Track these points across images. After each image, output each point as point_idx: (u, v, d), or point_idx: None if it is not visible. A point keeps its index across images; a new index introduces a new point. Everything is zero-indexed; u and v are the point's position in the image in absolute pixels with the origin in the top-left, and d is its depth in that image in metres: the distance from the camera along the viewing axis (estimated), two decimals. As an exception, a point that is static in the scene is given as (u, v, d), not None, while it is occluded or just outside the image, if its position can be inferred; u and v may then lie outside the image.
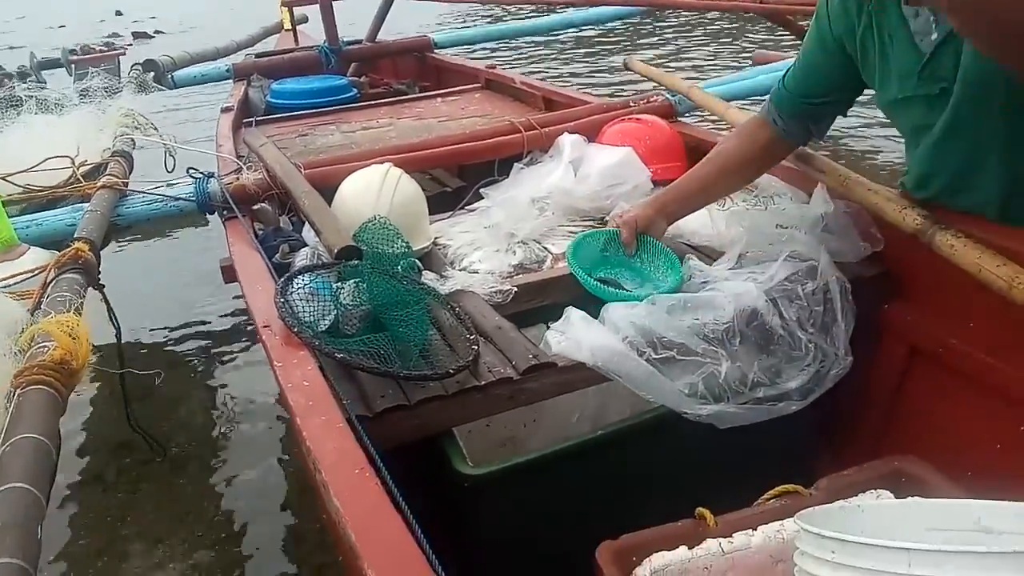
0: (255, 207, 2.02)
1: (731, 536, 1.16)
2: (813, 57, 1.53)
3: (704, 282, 1.60)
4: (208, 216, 2.21)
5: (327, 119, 3.27)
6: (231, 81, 3.99)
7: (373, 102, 3.62)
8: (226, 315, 3.35)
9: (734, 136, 1.72)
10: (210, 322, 3.32)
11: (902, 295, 1.57)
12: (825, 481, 1.22)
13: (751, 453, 1.43)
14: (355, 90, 3.90)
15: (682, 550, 1.14)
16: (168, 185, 2.17)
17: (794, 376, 1.48)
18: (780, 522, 1.17)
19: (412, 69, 4.49)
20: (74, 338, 0.97)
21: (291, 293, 1.43)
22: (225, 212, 1.99)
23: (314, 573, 1.98)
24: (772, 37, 7.64)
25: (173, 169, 2.62)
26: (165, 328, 3.28)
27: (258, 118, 3.27)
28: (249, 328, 3.19)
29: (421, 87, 4.19)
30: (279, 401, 2.66)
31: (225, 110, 3.25)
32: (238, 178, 2.03)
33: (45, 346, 0.98)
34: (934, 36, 1.29)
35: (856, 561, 0.83)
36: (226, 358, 3.03)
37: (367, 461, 0.95)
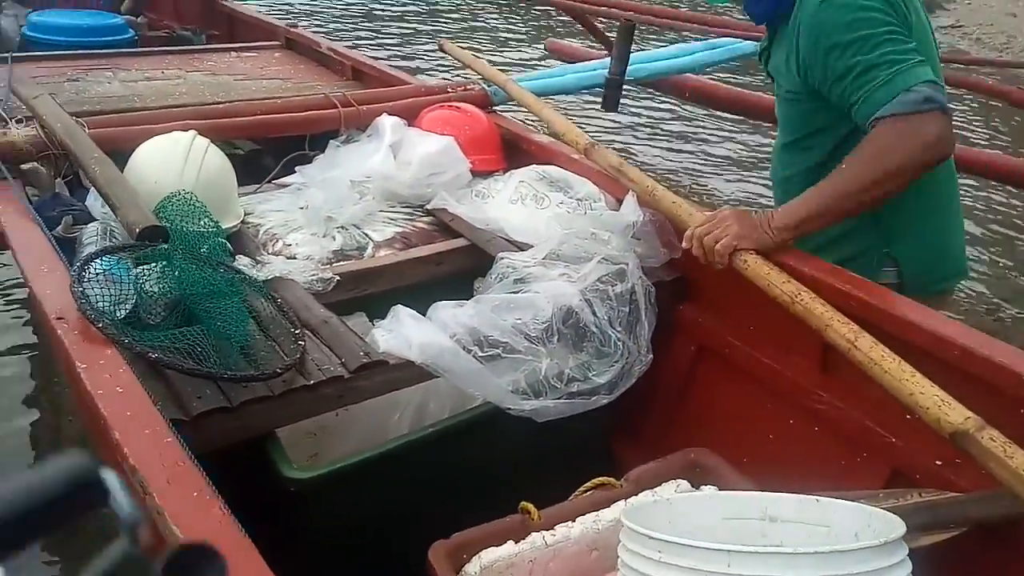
0: (25, 167, 1.76)
1: (553, 529, 1.23)
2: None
3: (519, 279, 1.66)
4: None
5: (101, 62, 2.90)
6: (-26, 3, 3.40)
7: (155, 48, 3.27)
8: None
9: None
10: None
11: (694, 299, 1.74)
12: (634, 473, 1.34)
13: (565, 445, 1.52)
14: (132, 31, 3.51)
15: (509, 545, 1.20)
16: None
17: (603, 371, 1.59)
18: (596, 513, 1.27)
19: (197, 15, 4.11)
20: None
21: (87, 279, 1.27)
22: (-12, 172, 1.71)
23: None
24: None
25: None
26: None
27: (14, 54, 2.82)
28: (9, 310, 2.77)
29: (209, 36, 3.86)
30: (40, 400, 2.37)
31: (-30, 41, 2.77)
32: (4, 133, 1.75)
33: None
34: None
35: (681, 561, 0.92)
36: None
37: (203, 480, 0.89)
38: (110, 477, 0.41)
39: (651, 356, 1.61)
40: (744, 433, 1.56)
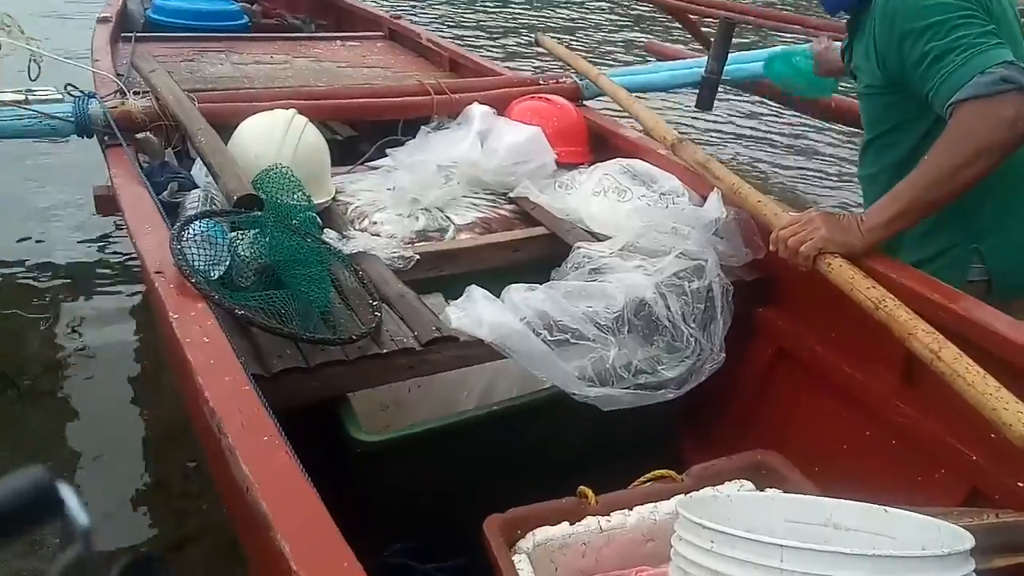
0: (139, 136, 1.89)
1: (609, 515, 1.23)
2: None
3: (594, 268, 1.66)
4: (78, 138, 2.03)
5: (216, 45, 3.08)
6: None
7: (266, 34, 3.44)
8: (91, 246, 3.09)
9: None
10: (72, 252, 3.05)
11: (776, 301, 1.70)
12: (696, 469, 1.32)
13: (629, 436, 1.52)
14: (246, 17, 3.69)
15: (564, 526, 1.21)
16: (28, 93, 1.97)
17: (673, 366, 1.57)
18: (654, 504, 1.26)
19: (309, 4, 4.28)
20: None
21: (185, 239, 1.36)
22: (107, 138, 1.84)
23: (175, 519, 1.91)
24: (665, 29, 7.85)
25: (36, 78, 2.37)
26: (18, 256, 2.99)
27: (138, 34, 3.02)
28: (116, 264, 2.97)
29: (318, 24, 4.02)
30: (140, 346, 2.53)
31: (102, 20, 2.98)
32: (123, 103, 1.88)
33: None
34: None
35: (733, 552, 0.91)
36: (87, 292, 2.80)
37: (275, 428, 0.94)
38: (65, 490, 0.44)
39: (724, 355, 1.58)
40: (817, 441, 1.52)
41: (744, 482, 1.33)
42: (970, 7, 1.32)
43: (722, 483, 1.32)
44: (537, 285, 1.55)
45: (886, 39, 1.40)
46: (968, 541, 0.90)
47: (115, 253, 3.06)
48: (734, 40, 2.53)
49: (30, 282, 2.85)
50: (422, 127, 2.21)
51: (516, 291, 1.52)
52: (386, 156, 2.16)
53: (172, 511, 1.93)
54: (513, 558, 1.12)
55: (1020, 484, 1.19)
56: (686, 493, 1.28)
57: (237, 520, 1.12)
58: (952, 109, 1.29)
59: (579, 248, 1.67)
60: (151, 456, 2.09)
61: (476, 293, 1.50)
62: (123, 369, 2.42)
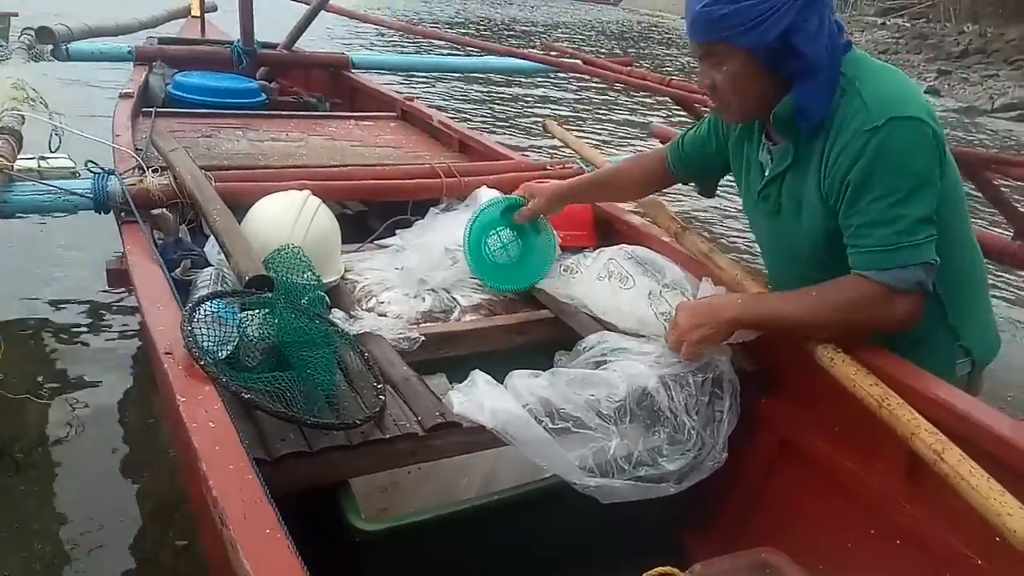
0: (155, 212, 1.93)
1: (611, 613, 1.21)
2: (708, 137, 1.75)
3: (600, 356, 1.67)
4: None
5: (233, 122, 3.17)
6: (131, 64, 3.78)
7: (283, 112, 3.54)
8: (90, 317, 3.13)
9: (633, 163, 2.05)
10: (69, 322, 3.09)
11: (778, 392, 1.70)
12: (699, 567, 1.30)
13: (630, 529, 1.50)
14: (264, 95, 3.80)
15: (564, 624, 1.19)
16: (40, 160, 2.03)
17: (674, 459, 1.56)
18: (657, 602, 1.24)
19: (324, 84, 4.43)
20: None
21: (197, 320, 1.38)
22: (124, 214, 1.89)
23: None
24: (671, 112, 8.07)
25: (56, 150, 2.44)
26: (16, 323, 3.02)
27: (158, 109, 3.11)
28: (115, 337, 3.00)
29: (332, 103, 4.14)
30: (132, 421, 2.52)
31: (124, 96, 3.08)
32: (142, 180, 1.93)
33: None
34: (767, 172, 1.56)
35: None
36: (83, 363, 2.82)
37: (276, 520, 0.93)
38: None
39: (726, 455, 1.56)
40: (820, 538, 1.50)
41: (748, 581, 1.31)
42: (933, 172, 1.35)
43: (725, 581, 1.30)
44: (540, 372, 1.56)
45: (842, 170, 1.37)
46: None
47: (115, 327, 3.08)
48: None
49: (26, 349, 2.86)
50: (431, 208, 2.26)
51: (520, 377, 1.53)
52: (395, 235, 2.20)
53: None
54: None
55: (1028, 593, 1.17)
56: (689, 592, 1.26)
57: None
58: (862, 277, 1.38)
59: (588, 337, 1.68)
60: (142, 534, 2.06)
61: (479, 378, 1.51)
62: (115, 443, 2.41)
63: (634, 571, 1.29)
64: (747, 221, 1.77)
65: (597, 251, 2.08)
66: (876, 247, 1.35)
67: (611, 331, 1.75)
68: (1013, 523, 1.07)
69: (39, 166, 2.17)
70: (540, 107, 8.43)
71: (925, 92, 12.79)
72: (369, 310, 1.81)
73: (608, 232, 2.24)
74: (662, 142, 3.76)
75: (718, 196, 2.07)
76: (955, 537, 1.31)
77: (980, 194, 2.26)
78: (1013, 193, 3.02)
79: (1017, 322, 4.13)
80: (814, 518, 1.56)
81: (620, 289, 1.87)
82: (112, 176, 1.94)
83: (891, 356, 1.45)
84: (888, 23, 21.02)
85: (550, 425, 1.45)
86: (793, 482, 1.64)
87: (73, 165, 2.18)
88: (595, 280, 1.95)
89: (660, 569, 1.30)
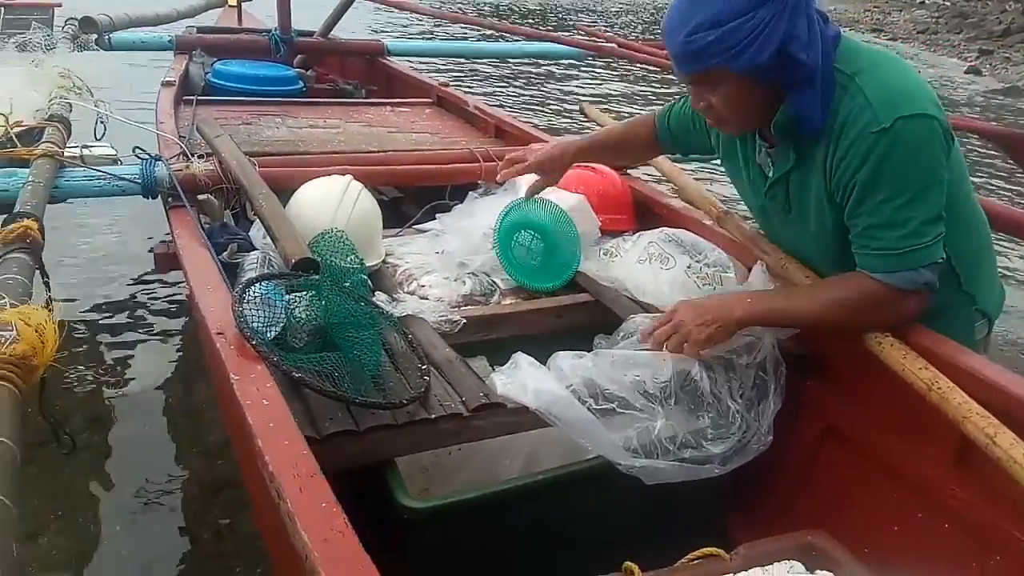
0: (201, 197, 1.97)
1: (655, 594, 1.22)
2: (693, 118, 1.72)
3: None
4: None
5: (272, 109, 3.20)
6: (172, 53, 3.83)
7: (320, 99, 3.57)
8: (139, 298, 3.20)
9: (628, 125, 1.99)
10: (117, 304, 3.17)
11: (824, 376, 1.68)
12: (744, 548, 1.30)
13: (674, 510, 1.50)
14: (302, 83, 3.83)
15: (607, 602, 1.19)
16: (83, 148, 2.08)
17: (719, 442, 1.55)
18: (701, 583, 1.24)
19: (360, 71, 4.45)
20: (39, 332, 0.92)
21: (247, 301, 1.40)
22: (171, 199, 1.92)
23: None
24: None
25: (102, 138, 2.49)
26: (78, 310, 3.10)
27: (199, 97, 3.16)
28: (172, 319, 3.06)
29: (368, 90, 4.16)
30: (177, 403, 2.57)
31: (166, 84, 3.13)
32: (188, 166, 1.97)
33: (2, 335, 0.93)
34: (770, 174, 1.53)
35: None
36: (131, 345, 2.89)
37: (331, 495, 0.95)
38: None
39: (771, 438, 1.54)
40: (866, 521, 1.49)
41: (794, 563, 1.30)
42: (940, 175, 1.32)
43: (771, 564, 1.30)
44: (584, 353, 1.56)
45: (849, 172, 1.34)
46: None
47: (160, 310, 3.15)
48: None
49: (75, 333, 2.93)
50: (470, 192, 2.27)
51: (563, 358, 1.53)
52: (434, 219, 2.21)
53: (204, 572, 1.93)
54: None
55: (1083, 577, 1.15)
56: (734, 574, 1.26)
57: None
58: (871, 278, 1.37)
59: (629, 320, 1.68)
60: (186, 513, 2.11)
61: (522, 360, 1.52)
62: (159, 425, 2.47)
63: (678, 552, 1.29)
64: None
65: (637, 235, 2.07)
66: (885, 250, 1.34)
67: (653, 313, 1.74)
68: (1071, 506, 1.05)
69: (82, 154, 2.21)
70: (578, 90, 8.39)
71: (966, 72, 12.47)
72: (411, 293, 1.83)
73: (648, 215, 2.23)
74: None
75: (726, 185, 2.05)
76: (1007, 521, 1.29)
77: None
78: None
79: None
80: (860, 502, 1.55)
81: (661, 270, 1.87)
82: (159, 162, 1.98)
83: (941, 338, 1.43)
84: (927, 2, 20.49)
85: (594, 406, 1.46)
86: (838, 465, 1.63)
87: (115, 153, 2.21)
88: (635, 263, 1.94)
89: (705, 550, 1.30)
